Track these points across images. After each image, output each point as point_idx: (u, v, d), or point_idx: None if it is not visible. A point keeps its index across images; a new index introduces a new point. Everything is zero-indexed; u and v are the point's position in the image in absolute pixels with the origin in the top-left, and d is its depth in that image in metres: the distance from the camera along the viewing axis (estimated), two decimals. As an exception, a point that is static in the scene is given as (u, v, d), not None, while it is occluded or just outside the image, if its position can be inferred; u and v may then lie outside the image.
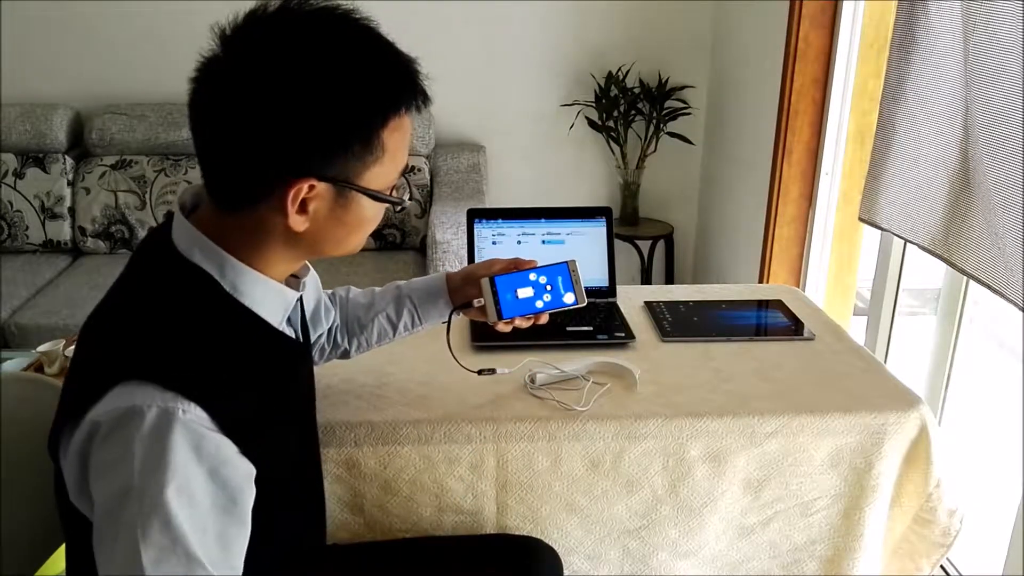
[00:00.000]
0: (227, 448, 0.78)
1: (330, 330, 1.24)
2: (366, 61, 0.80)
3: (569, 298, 1.17)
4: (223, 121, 0.80)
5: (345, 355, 1.27)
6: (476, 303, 1.16)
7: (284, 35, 0.79)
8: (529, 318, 1.16)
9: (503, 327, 1.16)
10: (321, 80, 0.78)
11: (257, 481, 0.82)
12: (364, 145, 0.82)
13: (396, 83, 0.83)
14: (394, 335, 1.25)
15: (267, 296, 0.88)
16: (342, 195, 0.84)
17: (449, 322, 1.21)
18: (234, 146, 0.80)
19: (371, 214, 0.88)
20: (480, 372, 1.27)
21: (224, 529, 0.77)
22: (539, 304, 1.16)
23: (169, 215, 0.90)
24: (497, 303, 1.14)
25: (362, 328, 1.24)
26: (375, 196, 0.86)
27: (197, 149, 0.83)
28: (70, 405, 0.80)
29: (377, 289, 1.27)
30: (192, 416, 0.76)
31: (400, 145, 0.86)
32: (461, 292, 1.21)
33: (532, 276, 1.16)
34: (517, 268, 1.17)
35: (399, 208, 0.92)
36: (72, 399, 0.80)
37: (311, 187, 0.81)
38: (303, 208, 0.82)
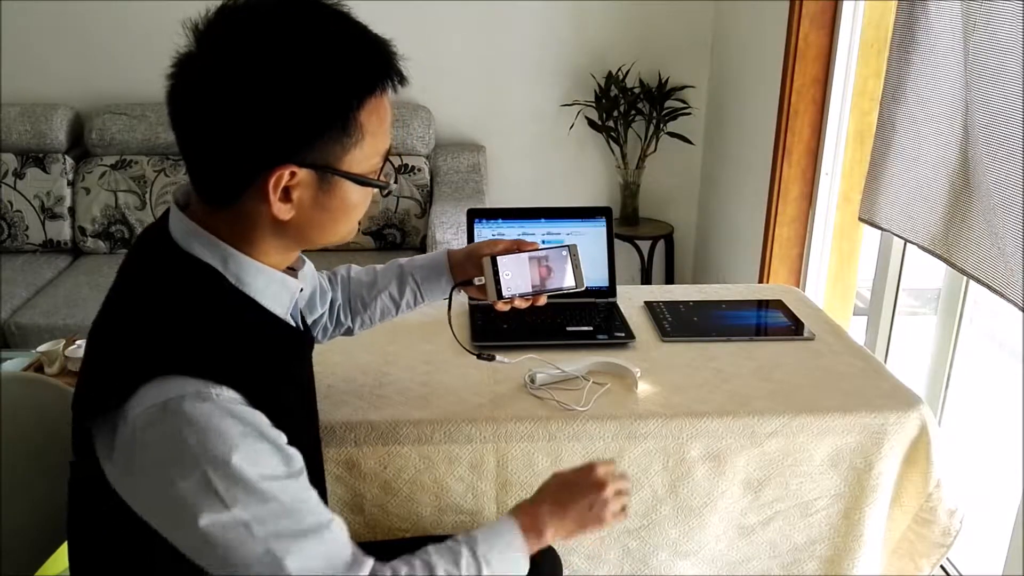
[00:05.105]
0: (264, 417, 0.81)
1: (333, 309, 1.25)
2: (337, 45, 0.81)
3: (568, 281, 1.21)
4: (200, 114, 0.80)
5: (348, 332, 1.28)
6: (477, 281, 1.18)
7: (254, 24, 0.80)
8: (528, 299, 1.19)
9: (502, 306, 1.18)
10: (292, 66, 0.78)
11: None
12: (342, 129, 0.82)
13: (369, 65, 0.83)
14: (396, 312, 1.27)
15: (270, 286, 0.89)
16: (325, 180, 0.84)
17: (450, 299, 1.23)
18: (212, 138, 0.81)
19: (356, 199, 0.88)
20: (480, 356, 1.29)
21: (293, 479, 0.82)
22: (538, 285, 1.19)
23: (165, 214, 0.91)
24: (497, 282, 1.16)
25: (365, 306, 1.26)
26: (357, 180, 0.86)
27: (179, 145, 0.84)
28: (95, 405, 0.80)
29: (379, 267, 1.28)
30: (226, 396, 0.78)
31: (379, 127, 0.85)
32: (463, 269, 1.23)
33: (533, 258, 1.19)
34: (519, 249, 1.20)
35: (385, 192, 0.92)
36: (96, 399, 0.81)
37: (292, 174, 0.81)
38: (286, 196, 0.83)
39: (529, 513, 1.01)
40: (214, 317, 0.84)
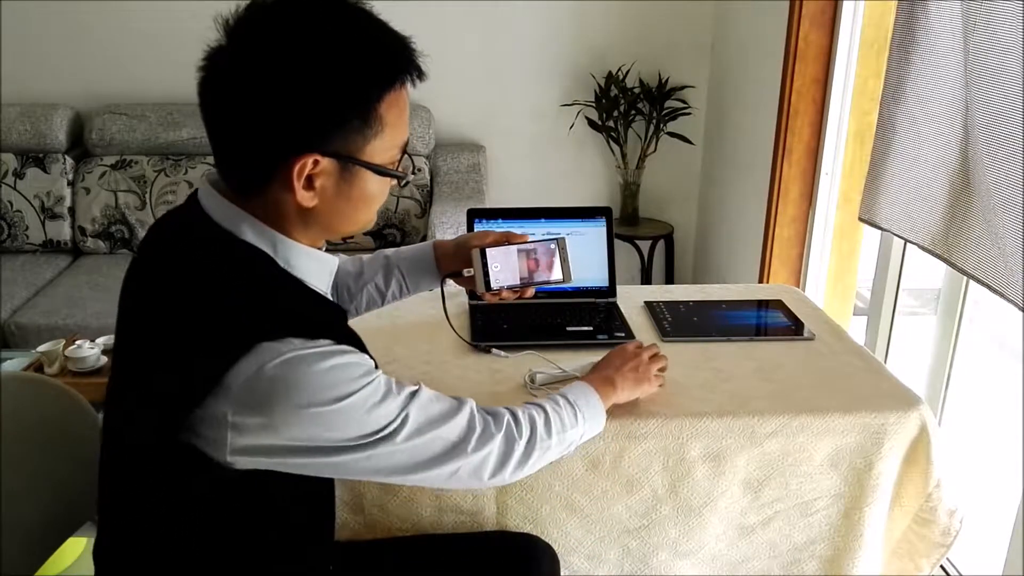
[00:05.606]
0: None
1: None
2: (360, 40, 0.85)
3: (556, 275, 1.24)
4: (228, 104, 0.85)
5: None
6: (466, 272, 1.22)
7: (280, 19, 0.84)
8: (516, 291, 1.22)
9: (490, 298, 1.22)
10: (317, 59, 0.83)
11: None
12: (363, 120, 0.86)
13: (389, 59, 0.87)
14: (382, 303, 1.31)
15: (312, 266, 0.94)
16: (346, 170, 0.88)
17: (442, 290, 1.26)
18: (240, 127, 0.85)
19: (376, 189, 0.92)
20: (477, 347, 1.32)
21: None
22: (526, 278, 1.22)
23: (190, 201, 0.94)
24: (486, 274, 1.20)
25: (351, 297, 1.29)
26: (378, 170, 0.90)
27: (208, 134, 0.88)
28: (192, 390, 0.83)
29: (365, 257, 1.31)
30: (324, 342, 0.86)
31: (398, 119, 0.90)
32: (450, 261, 1.26)
33: (522, 250, 1.22)
34: (508, 242, 1.23)
35: (403, 183, 0.96)
36: (190, 385, 0.83)
37: (315, 162, 0.86)
38: (309, 184, 0.87)
39: (596, 375, 1.19)
40: (282, 292, 0.91)
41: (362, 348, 0.92)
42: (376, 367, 0.91)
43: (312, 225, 0.92)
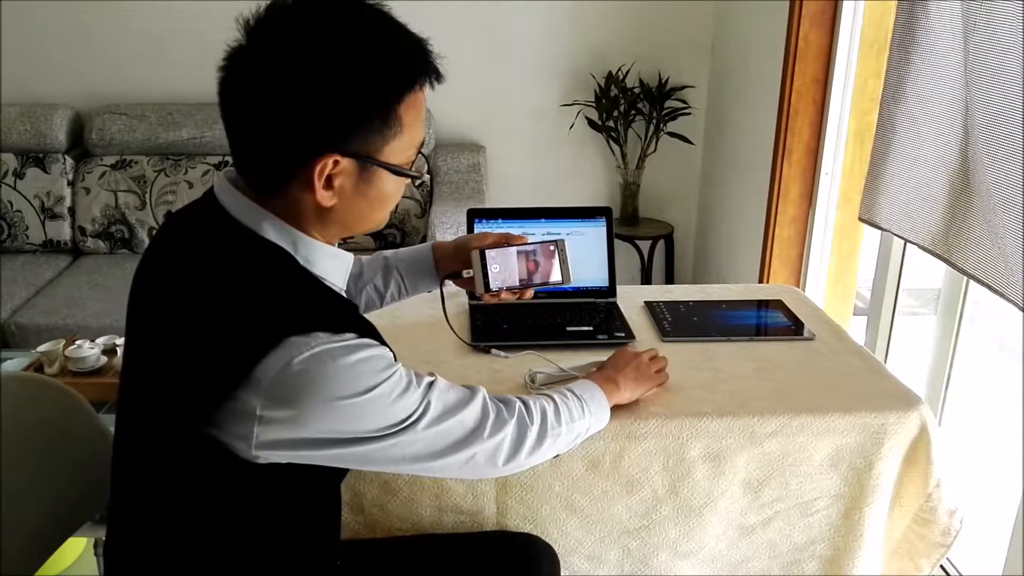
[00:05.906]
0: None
1: None
2: (380, 42, 0.86)
3: (555, 276, 1.25)
4: (250, 106, 0.86)
5: None
6: (465, 274, 1.23)
7: (303, 20, 0.85)
8: (515, 292, 1.23)
9: (489, 299, 1.23)
10: (339, 60, 0.84)
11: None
12: (383, 121, 0.88)
13: (409, 61, 0.89)
14: (381, 304, 1.32)
15: (331, 263, 0.96)
16: (365, 170, 0.89)
17: (442, 291, 1.27)
18: (262, 127, 0.86)
19: (392, 188, 0.94)
20: (476, 347, 1.33)
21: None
22: (525, 279, 1.23)
23: (205, 198, 0.95)
24: (485, 275, 1.21)
25: (351, 298, 1.28)
26: (395, 170, 0.91)
27: (228, 134, 0.89)
28: (221, 385, 0.83)
29: (365, 259, 1.32)
30: (350, 335, 0.87)
31: (416, 120, 0.92)
32: (449, 262, 1.27)
33: (521, 252, 1.23)
34: (508, 243, 1.24)
35: (419, 182, 0.98)
36: (218, 380, 0.84)
37: (336, 162, 0.87)
38: (329, 184, 0.88)
39: (598, 375, 1.21)
40: (305, 288, 0.92)
41: (381, 341, 0.93)
42: (396, 359, 0.92)
43: (329, 224, 0.93)
